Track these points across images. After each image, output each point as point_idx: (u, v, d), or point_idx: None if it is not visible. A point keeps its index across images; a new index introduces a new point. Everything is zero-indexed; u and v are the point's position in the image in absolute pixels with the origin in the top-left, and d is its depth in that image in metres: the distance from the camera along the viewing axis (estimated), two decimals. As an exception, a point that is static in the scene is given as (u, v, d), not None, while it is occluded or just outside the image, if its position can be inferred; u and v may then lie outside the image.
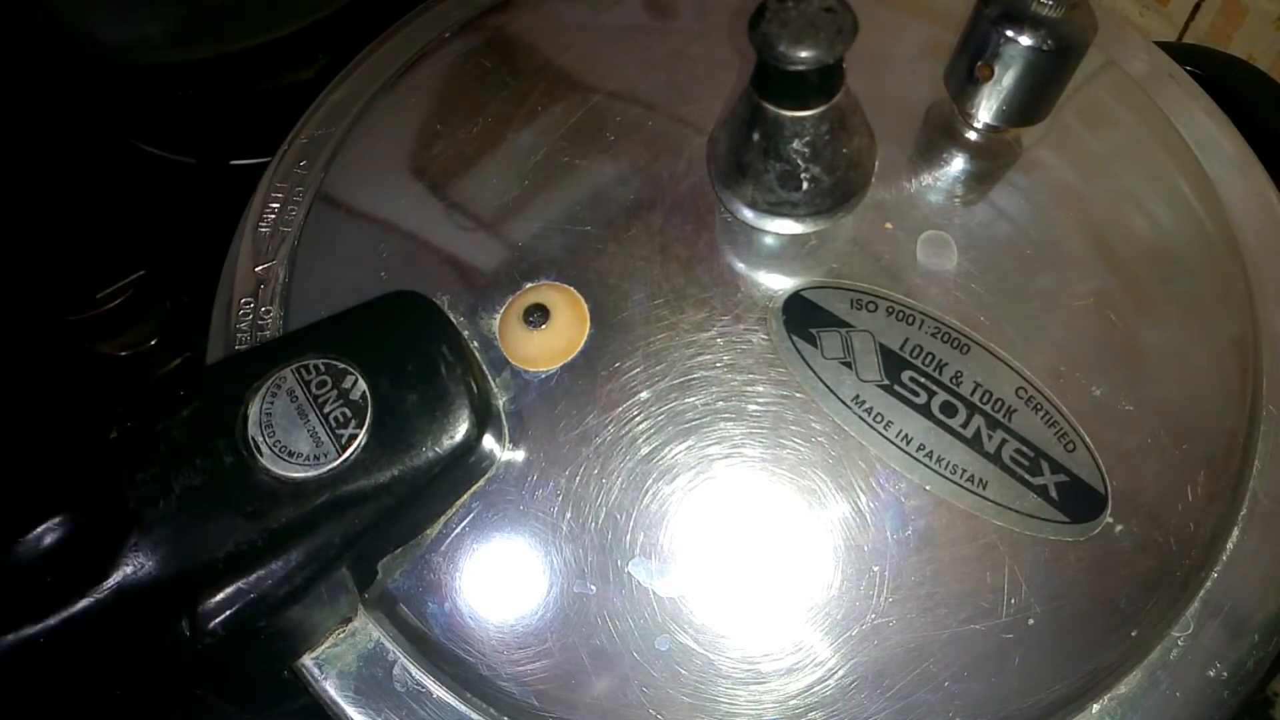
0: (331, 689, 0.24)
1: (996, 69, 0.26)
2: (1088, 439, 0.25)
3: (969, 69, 0.27)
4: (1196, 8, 0.56)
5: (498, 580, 0.24)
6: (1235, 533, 0.25)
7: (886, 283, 0.27)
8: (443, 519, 0.24)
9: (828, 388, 0.25)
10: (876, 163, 0.26)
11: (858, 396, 0.25)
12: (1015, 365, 0.26)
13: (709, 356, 0.26)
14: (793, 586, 0.24)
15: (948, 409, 0.25)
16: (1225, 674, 0.24)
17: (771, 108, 0.23)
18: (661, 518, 0.24)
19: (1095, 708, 0.24)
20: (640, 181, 0.29)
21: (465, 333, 0.26)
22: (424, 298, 0.25)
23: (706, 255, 0.27)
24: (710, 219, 0.28)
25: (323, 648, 0.24)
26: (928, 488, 0.24)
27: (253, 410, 0.23)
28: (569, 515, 0.24)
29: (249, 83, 0.45)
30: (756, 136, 0.24)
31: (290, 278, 0.28)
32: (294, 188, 0.30)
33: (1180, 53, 0.34)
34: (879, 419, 0.25)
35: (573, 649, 0.23)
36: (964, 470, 0.24)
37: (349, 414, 0.23)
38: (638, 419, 0.25)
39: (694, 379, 0.25)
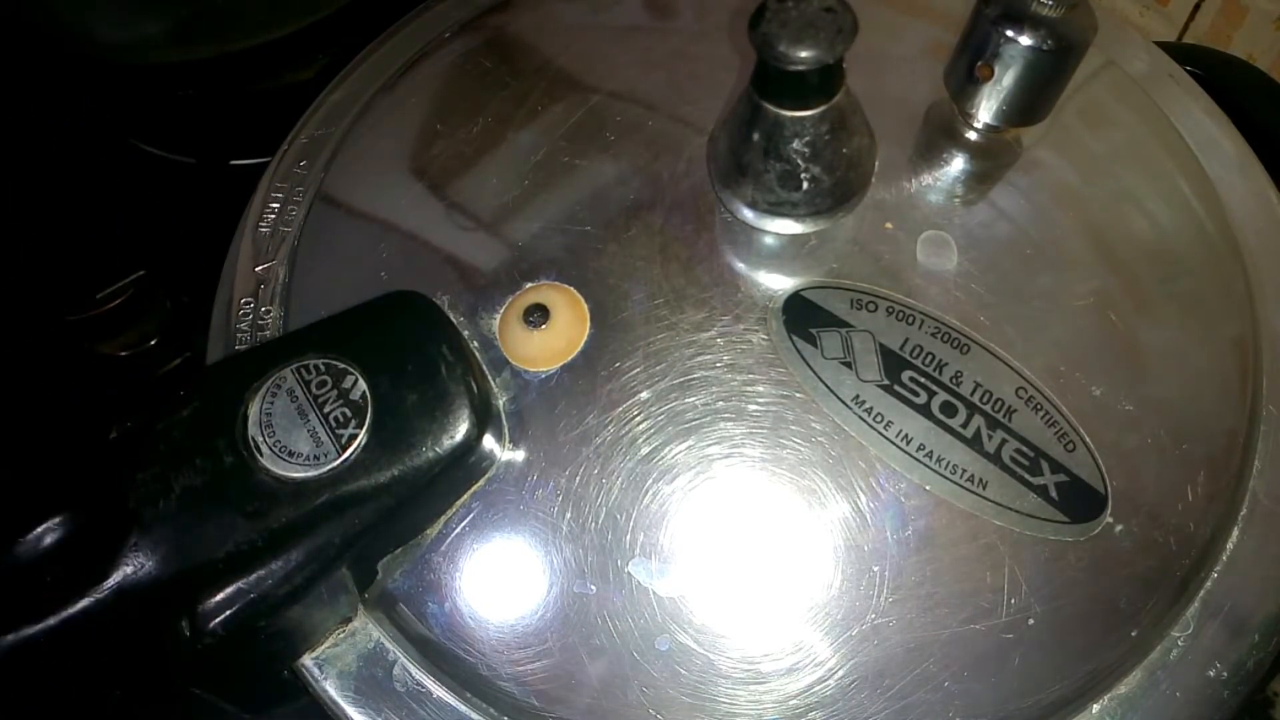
0: (331, 689, 0.24)
1: (996, 69, 0.26)
2: (1088, 439, 0.25)
3: (969, 69, 0.27)
4: (1196, 8, 0.56)
5: (498, 580, 0.24)
6: (1235, 533, 0.25)
7: (886, 283, 0.27)
8: (443, 519, 0.24)
9: (828, 388, 0.25)
10: (876, 163, 0.26)
11: (858, 396, 0.25)
12: (1015, 365, 0.26)
13: (709, 356, 0.26)
14: (793, 586, 0.24)
15: (948, 409, 0.25)
16: (1225, 674, 0.24)
17: (771, 108, 0.23)
18: (661, 518, 0.24)
19: (1095, 708, 0.24)
20: (640, 181, 0.29)
21: (465, 333, 0.26)
22: (424, 298, 0.25)
23: (706, 255, 0.27)
24: (710, 219, 0.28)
25: (323, 648, 0.24)
26: (928, 488, 0.24)
27: (253, 410, 0.23)
28: (569, 515, 0.24)
29: (249, 83, 0.45)
30: (756, 136, 0.24)
31: (290, 278, 0.28)
32: (294, 188, 0.30)
33: (1180, 53, 0.34)
34: (879, 419, 0.25)
35: (573, 649, 0.23)
36: (964, 470, 0.24)
37: (349, 414, 0.23)
38: (638, 419, 0.25)
39: (694, 379, 0.25)
